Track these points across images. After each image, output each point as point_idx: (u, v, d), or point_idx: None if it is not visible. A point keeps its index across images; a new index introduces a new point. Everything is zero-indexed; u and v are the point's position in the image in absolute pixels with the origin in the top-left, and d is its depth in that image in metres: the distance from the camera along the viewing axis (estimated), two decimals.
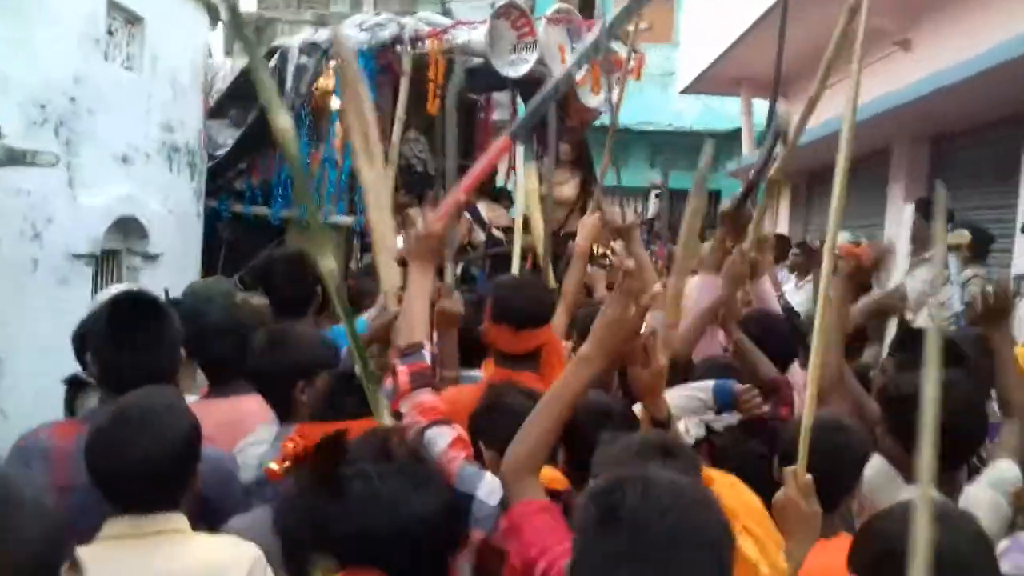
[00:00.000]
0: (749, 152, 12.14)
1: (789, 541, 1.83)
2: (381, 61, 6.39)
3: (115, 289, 4.41)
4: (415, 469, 1.56)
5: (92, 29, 4.74)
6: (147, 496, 1.91)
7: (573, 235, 4.61)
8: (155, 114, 5.47)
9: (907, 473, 2.44)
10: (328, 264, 1.66)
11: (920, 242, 5.70)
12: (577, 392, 1.84)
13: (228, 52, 10.67)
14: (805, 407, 1.93)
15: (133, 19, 5.18)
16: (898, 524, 1.55)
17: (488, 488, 1.85)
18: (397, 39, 6.34)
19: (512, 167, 9.08)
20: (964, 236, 5.44)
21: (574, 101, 7.31)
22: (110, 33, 4.98)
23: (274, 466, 1.98)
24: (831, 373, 2.65)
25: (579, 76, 6.94)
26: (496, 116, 8.42)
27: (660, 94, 14.63)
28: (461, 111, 6.79)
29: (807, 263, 7.28)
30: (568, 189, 7.20)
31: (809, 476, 1.87)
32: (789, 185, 10.93)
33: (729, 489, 1.80)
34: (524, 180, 5.61)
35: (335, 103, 6.44)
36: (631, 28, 5.65)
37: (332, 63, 6.30)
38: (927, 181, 8.03)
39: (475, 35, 6.06)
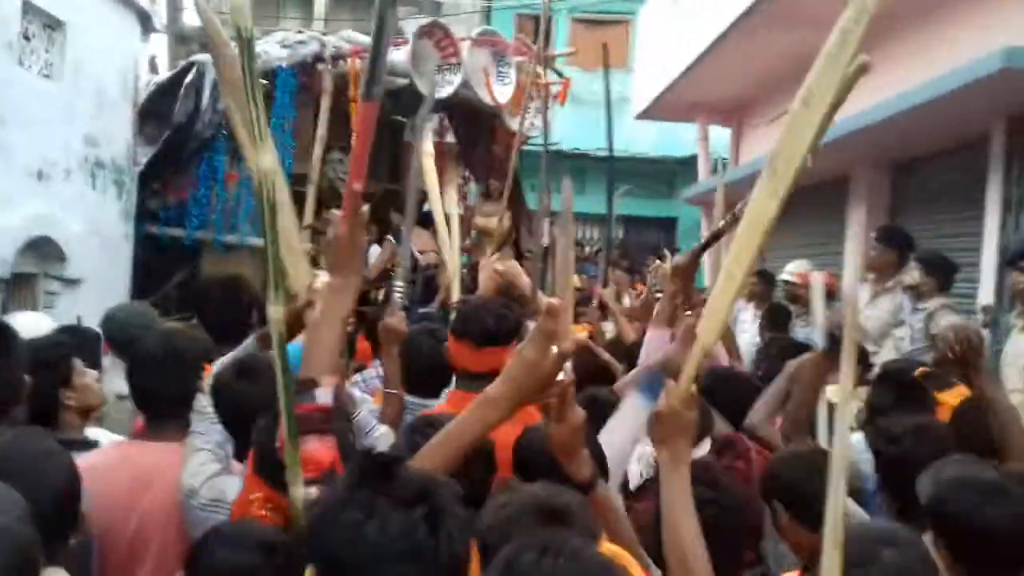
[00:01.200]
0: (705, 178, 12.02)
1: (665, 448, 1.89)
2: (302, 79, 6.22)
3: (22, 316, 4.03)
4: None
5: (4, 32, 4.38)
6: None
7: None
8: (78, 127, 5.12)
9: None
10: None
11: (881, 271, 5.53)
12: (477, 436, 1.72)
13: (173, 66, 10.21)
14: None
15: (53, 24, 4.82)
16: None
17: None
18: (318, 57, 6.26)
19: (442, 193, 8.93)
20: (914, 277, 5.24)
21: (499, 126, 7.26)
22: (26, 38, 4.62)
23: None
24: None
25: (503, 99, 6.91)
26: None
27: (616, 120, 14.55)
28: (387, 132, 6.62)
29: (766, 291, 7.09)
30: (495, 222, 7.04)
31: (693, 387, 1.90)
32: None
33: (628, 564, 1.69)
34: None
35: None
36: (556, 54, 5.64)
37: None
38: (889, 208, 7.92)
39: (397, 55, 6.00)
